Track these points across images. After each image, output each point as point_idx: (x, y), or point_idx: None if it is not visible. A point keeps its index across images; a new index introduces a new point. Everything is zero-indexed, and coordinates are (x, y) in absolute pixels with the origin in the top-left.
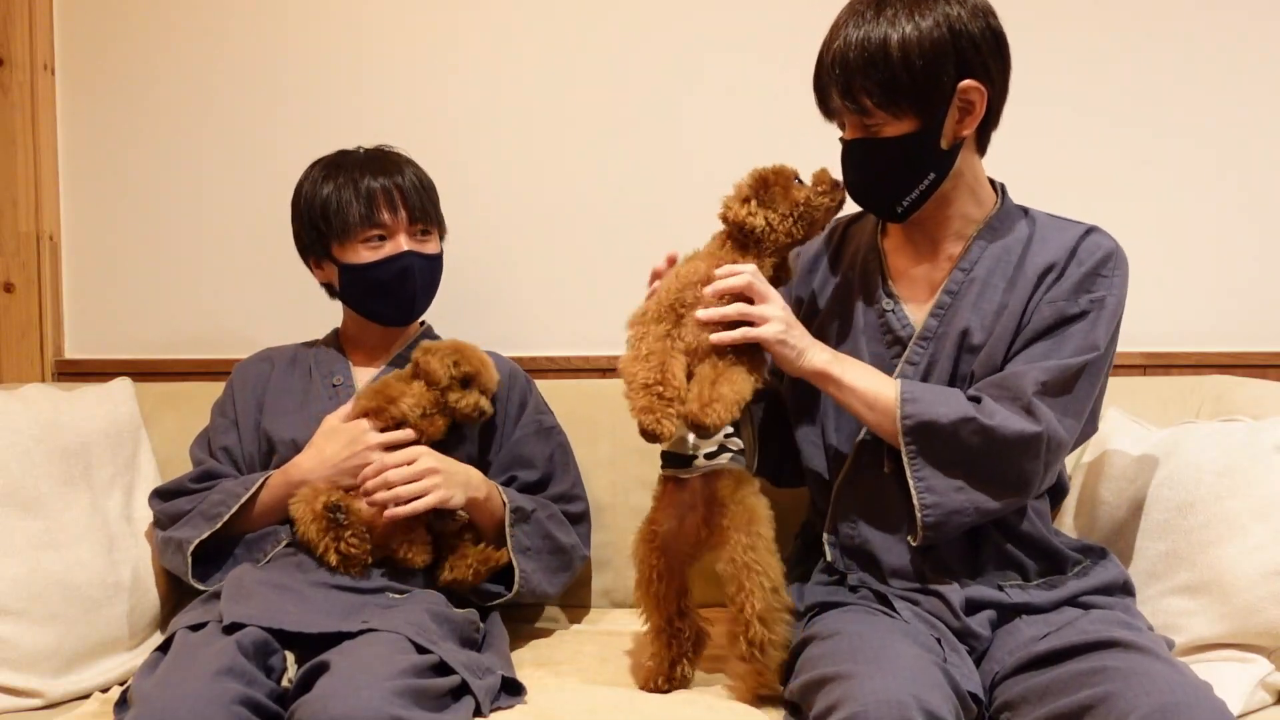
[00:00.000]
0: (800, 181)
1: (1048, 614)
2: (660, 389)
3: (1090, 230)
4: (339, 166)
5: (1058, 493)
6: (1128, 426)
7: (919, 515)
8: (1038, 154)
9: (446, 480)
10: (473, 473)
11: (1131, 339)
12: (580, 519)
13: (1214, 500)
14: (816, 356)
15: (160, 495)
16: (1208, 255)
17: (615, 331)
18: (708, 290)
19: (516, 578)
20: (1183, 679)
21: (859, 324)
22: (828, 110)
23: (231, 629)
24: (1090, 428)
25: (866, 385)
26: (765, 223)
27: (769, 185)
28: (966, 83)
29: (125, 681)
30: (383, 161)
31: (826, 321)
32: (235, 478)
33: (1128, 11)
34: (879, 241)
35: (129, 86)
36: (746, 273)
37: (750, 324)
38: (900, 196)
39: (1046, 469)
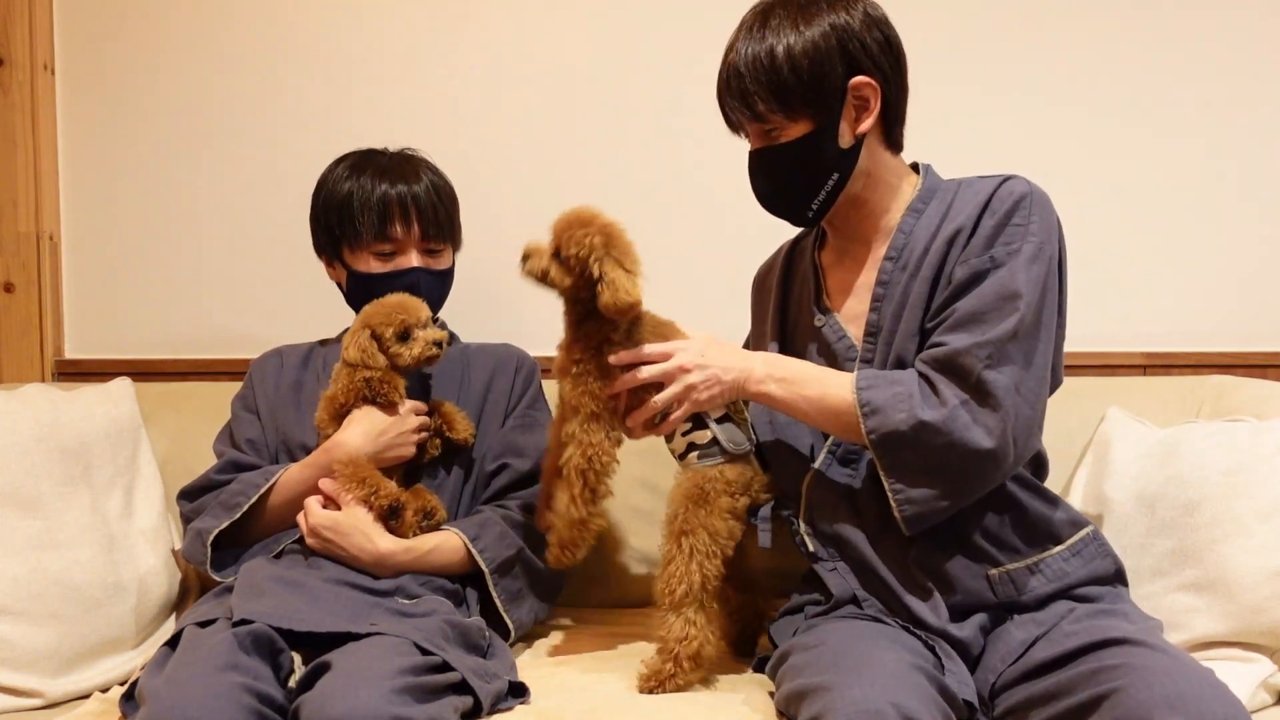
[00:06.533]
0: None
1: (1036, 613)
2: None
3: (1005, 179)
4: (360, 169)
5: (1039, 465)
6: (1130, 425)
7: (898, 516)
8: (1038, 153)
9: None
10: (371, 543)
11: (1131, 339)
12: None
13: (1220, 499)
14: (755, 385)
15: (187, 495)
16: (1208, 255)
17: None
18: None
19: (511, 629)
20: (1185, 668)
21: (808, 341)
22: (732, 124)
23: (239, 625)
24: (1055, 379)
25: (819, 403)
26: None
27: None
28: (858, 79)
29: (125, 681)
30: (403, 168)
31: (786, 343)
32: (258, 469)
33: (1127, 8)
34: (815, 256)
35: (129, 86)
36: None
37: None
38: (808, 200)
39: (1017, 450)
